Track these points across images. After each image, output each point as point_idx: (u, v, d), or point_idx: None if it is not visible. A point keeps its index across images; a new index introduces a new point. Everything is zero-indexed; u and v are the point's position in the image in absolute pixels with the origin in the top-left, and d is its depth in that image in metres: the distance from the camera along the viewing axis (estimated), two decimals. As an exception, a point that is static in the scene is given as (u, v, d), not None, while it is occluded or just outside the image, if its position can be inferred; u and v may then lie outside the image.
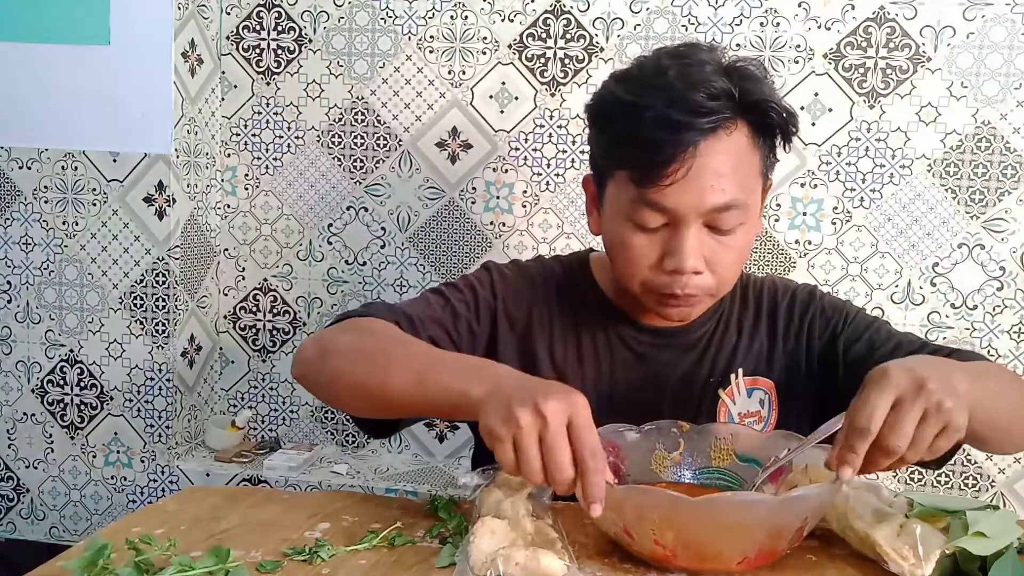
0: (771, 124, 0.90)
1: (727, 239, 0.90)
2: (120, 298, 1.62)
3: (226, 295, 1.75)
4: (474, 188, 1.64)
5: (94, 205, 1.61)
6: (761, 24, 1.53)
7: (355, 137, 1.66)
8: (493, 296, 1.03)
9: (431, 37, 1.62)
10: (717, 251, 0.90)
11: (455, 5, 1.60)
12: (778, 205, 1.56)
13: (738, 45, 1.53)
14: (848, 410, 0.73)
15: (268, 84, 1.68)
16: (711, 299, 0.95)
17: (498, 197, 1.63)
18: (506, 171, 1.62)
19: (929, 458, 0.73)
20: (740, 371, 1.03)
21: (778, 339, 1.05)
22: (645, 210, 0.89)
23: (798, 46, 1.53)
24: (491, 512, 0.76)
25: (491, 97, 1.61)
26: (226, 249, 1.74)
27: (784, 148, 0.94)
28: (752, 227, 0.94)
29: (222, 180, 1.72)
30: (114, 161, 1.59)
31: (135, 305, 1.62)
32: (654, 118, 0.86)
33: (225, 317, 1.76)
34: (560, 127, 1.60)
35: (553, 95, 1.59)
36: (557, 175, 1.61)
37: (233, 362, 1.77)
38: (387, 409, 0.87)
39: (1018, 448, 0.95)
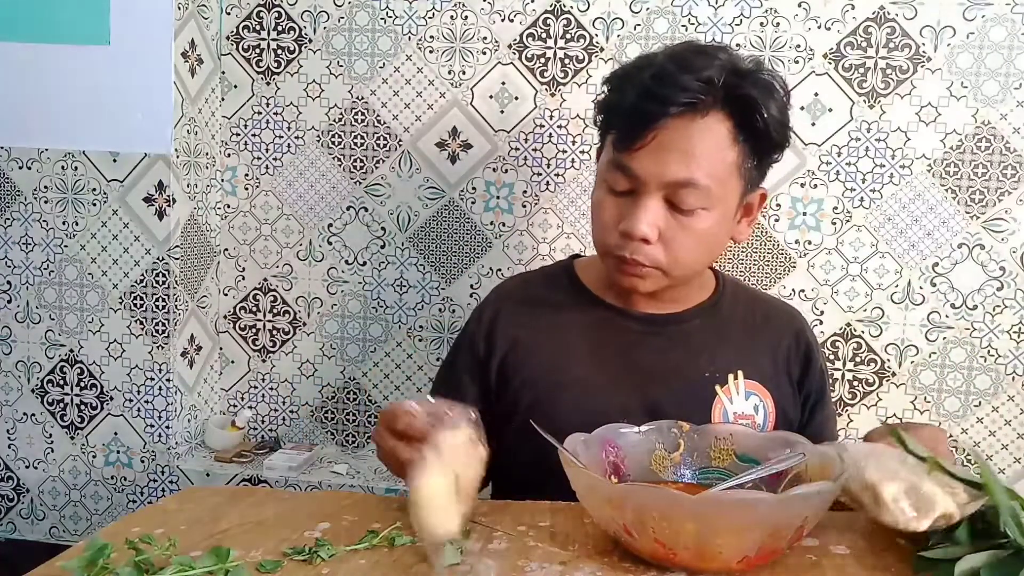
0: (755, 126, 0.94)
1: (687, 220, 0.95)
2: (120, 298, 1.62)
3: (226, 295, 1.75)
4: (474, 188, 1.64)
5: (94, 205, 1.61)
6: (761, 24, 1.53)
7: (355, 137, 1.66)
8: (472, 344, 1.11)
9: (431, 37, 1.62)
10: (675, 229, 0.95)
11: (455, 5, 1.60)
12: (778, 205, 1.56)
13: (738, 45, 1.53)
14: None
15: (268, 84, 1.68)
16: (663, 276, 0.99)
17: (498, 197, 1.63)
18: (506, 171, 1.62)
19: None
20: (741, 372, 1.04)
21: (779, 359, 1.08)
22: (617, 173, 0.96)
23: (798, 46, 1.53)
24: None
25: (491, 97, 1.61)
26: (226, 249, 1.74)
27: (774, 158, 1.00)
28: (720, 220, 0.97)
29: (222, 180, 1.72)
30: (114, 161, 1.59)
31: (135, 305, 1.62)
32: (637, 88, 0.94)
33: (225, 317, 1.76)
34: (560, 127, 1.60)
35: (553, 95, 1.59)
36: (557, 175, 1.61)
37: (233, 362, 1.77)
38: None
39: None
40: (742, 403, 1.04)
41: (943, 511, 0.70)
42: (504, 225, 1.64)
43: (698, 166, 0.92)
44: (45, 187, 1.62)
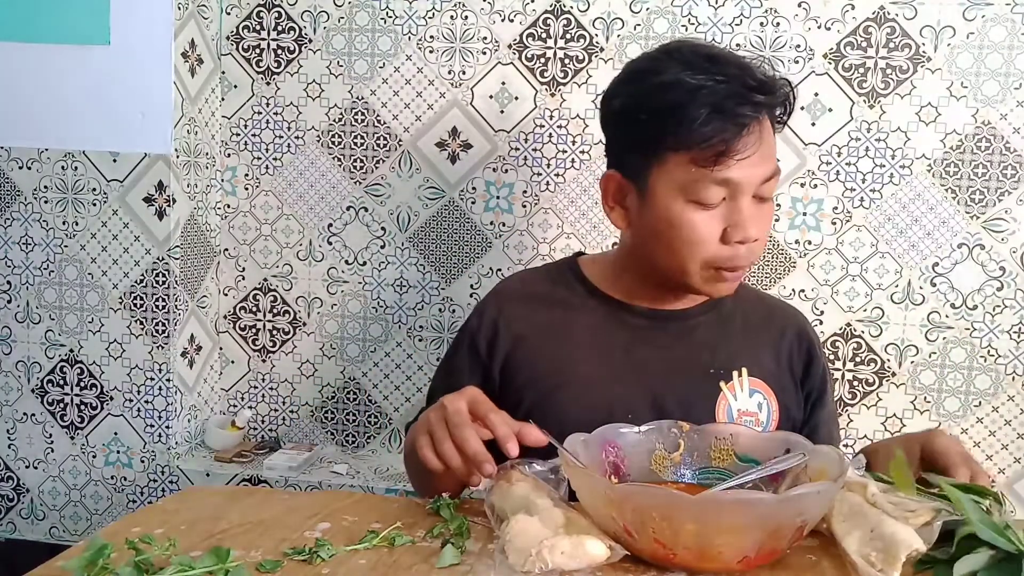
0: (776, 110, 0.97)
1: (764, 207, 0.97)
2: (120, 298, 1.62)
3: (226, 295, 1.75)
4: (474, 188, 1.64)
5: (94, 205, 1.61)
6: (761, 24, 1.53)
7: (355, 137, 1.66)
8: (473, 342, 1.10)
9: (431, 37, 1.62)
10: (759, 219, 0.97)
11: (455, 5, 1.60)
12: (778, 205, 1.56)
13: (738, 45, 1.53)
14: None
15: (268, 84, 1.68)
16: (750, 268, 1.02)
17: (498, 197, 1.63)
18: (506, 171, 1.62)
19: None
20: (745, 370, 1.04)
21: (782, 358, 1.09)
22: (710, 187, 0.93)
23: (798, 46, 1.53)
24: (520, 507, 0.76)
25: (491, 97, 1.61)
26: (226, 249, 1.74)
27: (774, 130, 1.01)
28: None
29: (222, 180, 1.72)
30: (114, 161, 1.59)
31: (135, 305, 1.62)
32: (733, 96, 0.91)
33: (225, 317, 1.76)
34: (560, 127, 1.60)
35: (553, 95, 1.59)
36: (557, 175, 1.61)
37: (233, 362, 1.77)
38: (438, 486, 0.92)
39: None
40: (746, 400, 1.04)
41: (908, 550, 0.69)
42: (504, 225, 1.64)
43: (774, 156, 0.96)
44: (45, 187, 1.62)
